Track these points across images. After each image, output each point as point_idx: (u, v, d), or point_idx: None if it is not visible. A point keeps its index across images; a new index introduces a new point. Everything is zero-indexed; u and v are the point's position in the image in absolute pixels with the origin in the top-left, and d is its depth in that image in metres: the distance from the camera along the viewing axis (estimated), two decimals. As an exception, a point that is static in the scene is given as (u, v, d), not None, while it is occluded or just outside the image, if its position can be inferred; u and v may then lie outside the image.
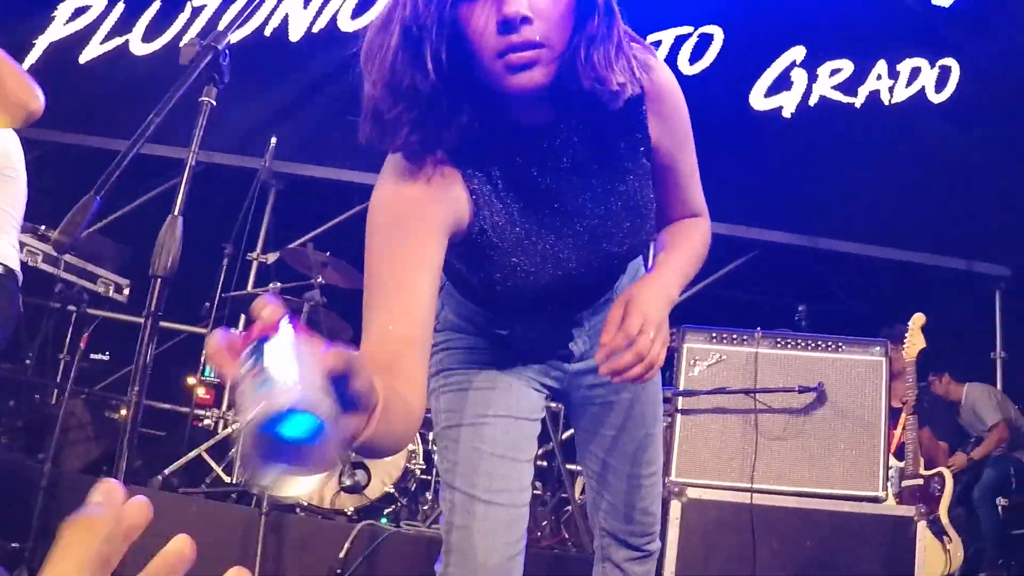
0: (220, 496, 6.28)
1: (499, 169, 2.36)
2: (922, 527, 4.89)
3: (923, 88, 9.84)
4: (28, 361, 7.42)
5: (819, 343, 5.28)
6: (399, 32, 2.14)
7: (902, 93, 9.84)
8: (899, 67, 9.90)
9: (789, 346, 5.28)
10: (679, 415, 5.25)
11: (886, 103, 9.82)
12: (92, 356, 8.03)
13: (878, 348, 5.37)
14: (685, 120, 2.56)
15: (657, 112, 2.44)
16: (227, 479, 6.85)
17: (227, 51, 3.22)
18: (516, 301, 2.51)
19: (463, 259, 2.49)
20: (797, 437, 5.06)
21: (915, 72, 9.89)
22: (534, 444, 2.76)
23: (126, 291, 7.68)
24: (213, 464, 7.11)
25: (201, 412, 7.99)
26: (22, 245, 6.05)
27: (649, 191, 2.49)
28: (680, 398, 5.28)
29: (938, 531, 6.47)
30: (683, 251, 2.59)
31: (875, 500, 4.97)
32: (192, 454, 6.89)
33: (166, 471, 6.51)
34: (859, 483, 5.06)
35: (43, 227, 6.60)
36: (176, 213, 3.10)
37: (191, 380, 9.28)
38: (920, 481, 6.57)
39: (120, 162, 2.93)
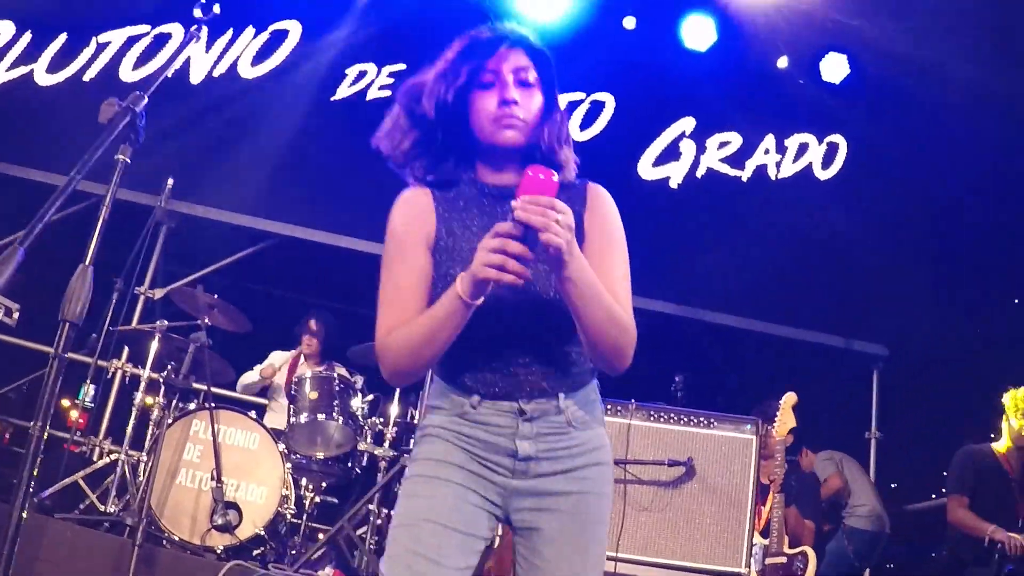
0: (93, 524, 6.33)
1: (464, 209, 3.08)
2: None
3: (810, 164, 10.08)
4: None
5: (692, 418, 5.45)
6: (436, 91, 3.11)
7: (789, 168, 10.06)
8: (787, 142, 10.13)
9: (662, 419, 5.45)
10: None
11: (773, 177, 10.04)
12: None
13: (749, 426, 5.52)
14: (615, 227, 3.15)
15: (592, 207, 3.13)
16: (101, 507, 6.92)
17: (143, 112, 3.41)
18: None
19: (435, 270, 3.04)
20: (664, 510, 5.22)
21: (803, 148, 10.13)
22: (465, 556, 2.87)
23: (16, 315, 7.69)
24: (88, 491, 7.17)
25: (78, 439, 7.96)
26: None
27: None
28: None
29: None
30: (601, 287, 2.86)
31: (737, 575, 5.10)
32: (68, 480, 6.95)
33: (43, 494, 6.56)
34: (723, 558, 5.20)
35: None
36: (88, 263, 3.28)
37: (65, 403, 9.27)
38: (784, 559, 6.63)
39: (42, 216, 3.13)
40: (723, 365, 10.07)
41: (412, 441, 6.63)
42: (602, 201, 3.16)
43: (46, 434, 3.19)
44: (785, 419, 6.62)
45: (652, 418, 5.45)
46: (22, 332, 8.27)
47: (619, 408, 5.47)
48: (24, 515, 3.10)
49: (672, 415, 5.49)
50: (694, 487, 5.34)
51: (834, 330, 9.82)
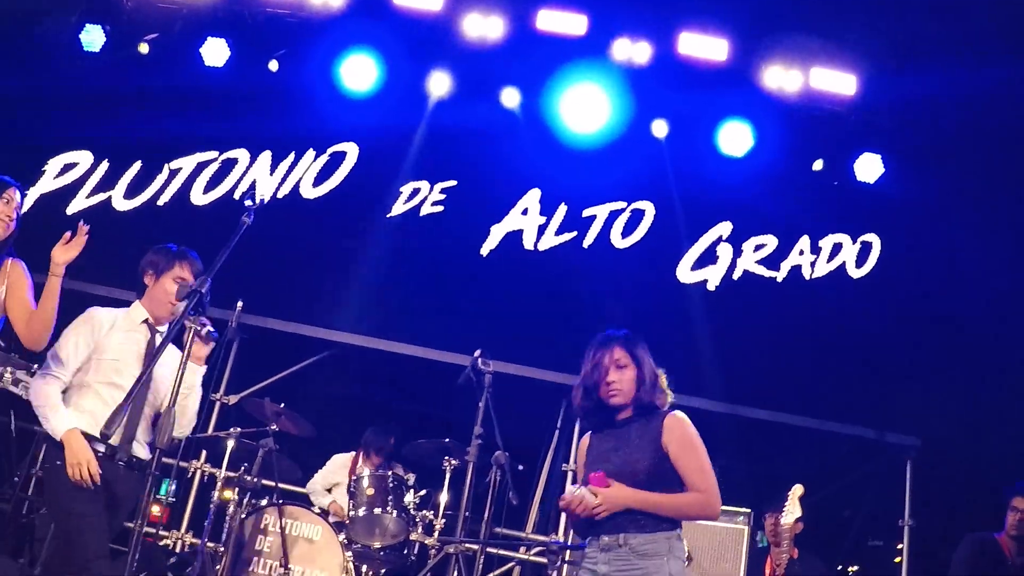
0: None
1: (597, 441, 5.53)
2: None
3: (844, 263, 10.91)
4: (16, 478, 8.99)
5: None
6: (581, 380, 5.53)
7: (823, 268, 10.92)
8: (821, 243, 10.99)
9: None
10: (565, 564, 6.68)
11: (807, 277, 10.91)
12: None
13: (741, 518, 6.76)
14: (688, 438, 5.30)
15: (667, 429, 5.30)
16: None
17: (208, 292, 4.91)
18: None
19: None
20: None
21: (837, 248, 10.97)
22: None
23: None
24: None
25: (162, 532, 9.35)
26: (17, 380, 7.54)
27: (647, 461, 5.26)
28: (568, 551, 6.71)
29: None
30: (665, 498, 5.15)
31: None
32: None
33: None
34: None
35: (34, 365, 8.06)
36: (172, 404, 4.87)
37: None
38: None
39: (141, 378, 4.83)
40: (758, 457, 10.81)
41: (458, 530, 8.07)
42: (674, 424, 5.32)
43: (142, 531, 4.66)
44: (792, 509, 7.65)
45: None
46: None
47: None
48: None
49: None
50: (691, 574, 6.52)
51: (867, 422, 10.50)
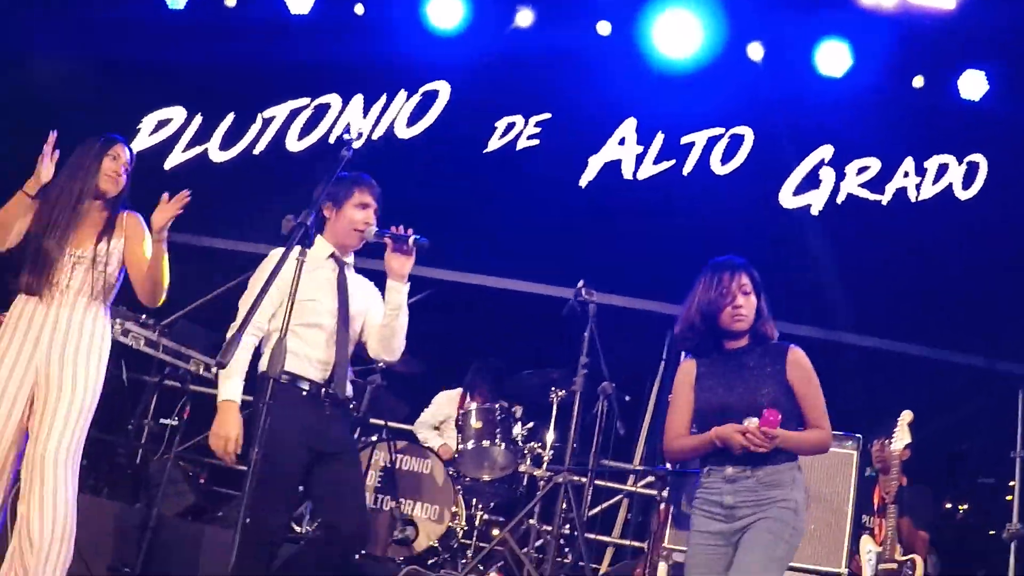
0: (292, 540, 7.85)
1: (713, 365, 5.59)
2: None
3: (950, 185, 10.70)
4: (130, 427, 9.17)
5: None
6: (696, 303, 5.61)
7: (929, 190, 10.73)
8: (926, 164, 10.79)
9: None
10: (672, 491, 6.75)
11: (913, 200, 10.74)
12: (162, 420, 9.40)
13: (851, 443, 6.79)
14: (811, 376, 5.46)
15: (791, 364, 5.46)
16: (297, 529, 8.59)
17: (313, 223, 5.06)
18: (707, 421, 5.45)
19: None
20: None
21: (942, 169, 10.76)
22: None
23: (214, 370, 9.29)
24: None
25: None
26: (127, 331, 7.77)
27: (773, 393, 5.38)
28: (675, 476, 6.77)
29: None
30: (800, 436, 5.36)
31: None
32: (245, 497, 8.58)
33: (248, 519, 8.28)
34: (825, 560, 6.48)
35: (143, 316, 8.27)
36: (283, 334, 4.91)
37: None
38: (894, 565, 7.63)
39: (255, 305, 4.89)
40: (866, 386, 10.55)
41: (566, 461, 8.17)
42: (800, 359, 5.48)
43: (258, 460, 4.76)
44: (902, 435, 7.76)
45: None
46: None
47: None
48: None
49: None
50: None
51: (978, 351, 10.29)
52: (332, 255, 6.20)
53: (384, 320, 6.05)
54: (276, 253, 5.89)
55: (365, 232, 6.15)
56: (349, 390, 6.08)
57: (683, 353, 5.92)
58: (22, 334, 5.84)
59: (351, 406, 6.18)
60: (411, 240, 6.05)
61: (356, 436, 8.68)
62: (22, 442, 5.78)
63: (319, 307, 6.00)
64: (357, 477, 6.03)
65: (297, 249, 5.08)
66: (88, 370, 5.87)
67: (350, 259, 6.30)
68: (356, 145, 5.65)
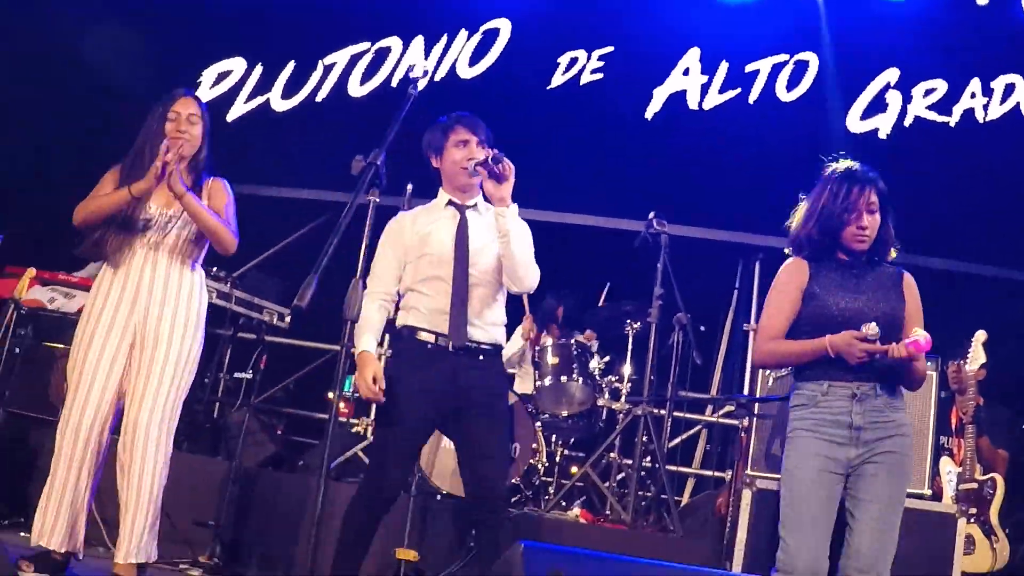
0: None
1: (828, 273, 5.20)
2: (962, 523, 6.32)
3: (1018, 104, 10.57)
4: (206, 380, 9.28)
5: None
6: (817, 212, 5.20)
7: (997, 110, 10.60)
8: (993, 84, 10.65)
9: None
10: (755, 419, 6.77)
11: (981, 120, 10.61)
12: (236, 375, 9.35)
13: (929, 363, 6.75)
14: (919, 302, 5.27)
15: (907, 287, 5.26)
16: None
17: (383, 163, 5.00)
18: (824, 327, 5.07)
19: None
20: None
21: (1009, 88, 10.64)
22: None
23: (287, 319, 9.36)
24: (364, 459, 8.97)
25: (353, 421, 9.64)
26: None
27: (898, 312, 5.16)
28: (756, 404, 6.78)
29: (988, 531, 7.75)
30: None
31: (920, 497, 6.37)
32: (349, 453, 8.89)
33: (331, 464, 8.37)
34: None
35: (214, 268, 8.35)
36: (357, 278, 4.88)
37: (330, 395, 10.94)
38: (975, 485, 7.70)
39: (327, 250, 4.71)
40: (939, 308, 10.51)
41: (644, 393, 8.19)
42: (912, 283, 5.29)
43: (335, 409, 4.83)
44: (976, 355, 7.66)
45: None
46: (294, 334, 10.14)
47: None
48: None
49: None
50: None
51: None
52: (450, 202, 6.07)
53: (500, 250, 5.88)
54: (398, 219, 6.05)
55: (468, 168, 5.97)
56: (479, 335, 5.84)
57: (788, 251, 5.47)
58: (116, 297, 5.89)
59: (488, 350, 5.90)
60: (488, 158, 5.76)
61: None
62: (120, 403, 5.85)
63: (436, 259, 5.88)
64: (487, 431, 5.75)
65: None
66: (184, 328, 5.92)
67: (474, 201, 6.12)
68: (421, 85, 5.60)
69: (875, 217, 5.15)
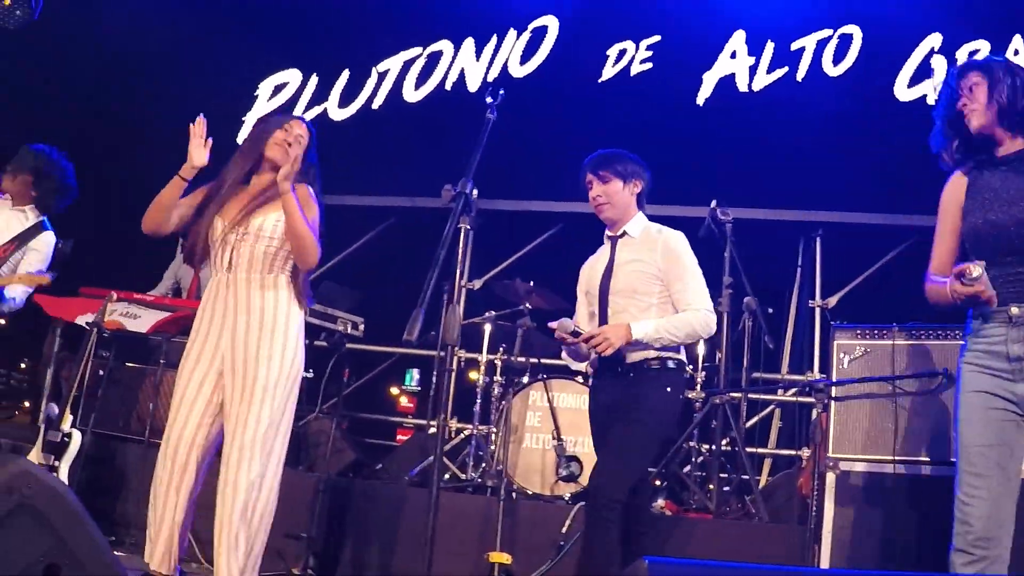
0: (459, 489, 8.23)
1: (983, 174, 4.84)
2: None
3: None
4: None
5: (947, 332, 6.58)
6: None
7: None
8: None
9: (922, 337, 6.65)
10: (833, 402, 6.87)
11: None
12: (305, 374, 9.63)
13: None
14: None
15: None
16: (462, 475, 8.82)
17: (471, 191, 5.17)
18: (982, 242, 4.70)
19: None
20: (931, 415, 6.50)
21: None
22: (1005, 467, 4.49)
23: (361, 327, 9.50)
24: (449, 464, 9.18)
25: (431, 421, 9.79)
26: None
27: None
28: (833, 387, 6.89)
29: None
30: None
31: None
32: (431, 458, 8.66)
33: (412, 472, 8.57)
34: None
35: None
36: (453, 303, 5.05)
37: (394, 391, 11.11)
38: None
39: (429, 282, 4.80)
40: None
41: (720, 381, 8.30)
42: None
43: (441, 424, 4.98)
44: None
45: (913, 336, 6.61)
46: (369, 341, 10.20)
47: (884, 331, 6.66)
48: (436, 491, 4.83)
49: (930, 331, 6.57)
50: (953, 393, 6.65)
51: None
52: (607, 237, 6.51)
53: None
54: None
55: (600, 213, 6.44)
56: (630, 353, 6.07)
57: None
58: (208, 319, 5.88)
59: (635, 364, 6.08)
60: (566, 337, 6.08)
61: (519, 379, 8.90)
62: (219, 426, 5.83)
63: (591, 296, 6.36)
64: (620, 434, 5.96)
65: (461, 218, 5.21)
66: (276, 347, 5.82)
67: (624, 229, 6.45)
68: (496, 101, 5.75)
69: (979, 90, 4.89)
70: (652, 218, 11.00)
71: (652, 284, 6.20)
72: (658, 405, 5.95)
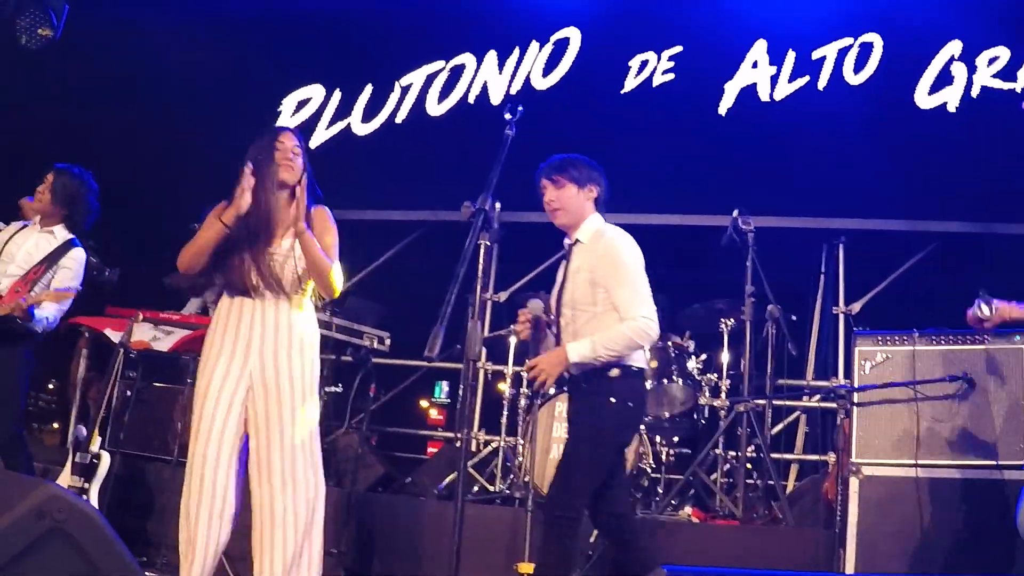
0: (487, 501, 8.40)
1: None
2: None
3: None
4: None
5: (967, 337, 6.70)
6: None
7: None
8: None
9: (943, 342, 6.76)
10: (855, 407, 6.97)
11: None
12: (327, 389, 9.53)
13: (1018, 337, 6.88)
14: None
15: None
16: (490, 487, 8.94)
17: (491, 207, 5.20)
18: None
19: None
20: (952, 419, 6.64)
21: None
22: None
23: (387, 342, 9.60)
24: (477, 476, 9.31)
25: (449, 434, 9.88)
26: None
27: None
28: (855, 393, 6.98)
29: None
30: None
31: (1019, 468, 6.51)
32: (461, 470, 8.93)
33: (441, 485, 8.66)
34: (1005, 454, 6.58)
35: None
36: (474, 318, 5.19)
37: (424, 403, 11.22)
38: None
39: (449, 300, 4.89)
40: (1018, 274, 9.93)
41: (745, 388, 8.39)
42: None
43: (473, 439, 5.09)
44: None
45: (934, 342, 6.71)
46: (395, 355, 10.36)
47: (904, 337, 6.80)
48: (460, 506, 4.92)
49: (951, 337, 6.71)
50: (976, 396, 6.59)
51: None
52: (565, 244, 6.46)
53: None
54: None
55: (554, 219, 6.35)
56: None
57: None
58: (232, 338, 5.90)
59: (574, 379, 6.13)
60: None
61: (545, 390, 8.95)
62: (244, 446, 5.87)
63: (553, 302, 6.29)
64: (566, 450, 6.10)
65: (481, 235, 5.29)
66: (301, 367, 5.91)
67: (577, 236, 6.34)
68: (515, 118, 5.84)
69: None
70: (672, 228, 11.13)
71: (594, 293, 6.08)
72: (599, 419, 5.93)
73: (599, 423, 5.92)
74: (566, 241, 6.40)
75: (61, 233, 7.68)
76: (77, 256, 7.65)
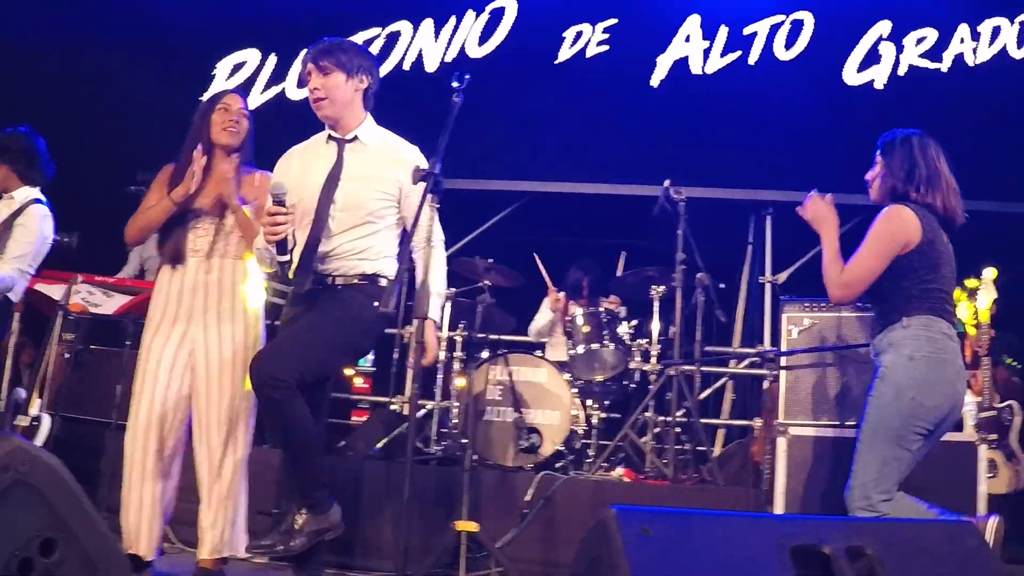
0: (424, 462, 8.45)
1: None
2: (983, 450, 6.72)
3: (1004, 46, 11.06)
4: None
5: None
6: None
7: (986, 52, 11.05)
8: (980, 28, 11.10)
9: (867, 309, 6.99)
10: (782, 371, 7.21)
11: (971, 64, 11.05)
12: None
13: None
14: None
15: None
16: (425, 449, 8.98)
17: (439, 171, 5.29)
18: None
19: None
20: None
21: (996, 31, 11.10)
22: None
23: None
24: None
25: (392, 399, 10.02)
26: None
27: None
28: (783, 357, 7.22)
29: (1009, 455, 8.25)
30: None
31: None
32: (395, 432, 9.12)
33: (378, 445, 8.86)
34: None
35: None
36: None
37: (348, 371, 11.32)
38: (994, 413, 8.19)
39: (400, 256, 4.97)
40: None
41: (675, 353, 8.61)
42: None
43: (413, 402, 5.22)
44: (987, 292, 8.04)
45: (858, 308, 7.04)
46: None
47: (830, 304, 6.93)
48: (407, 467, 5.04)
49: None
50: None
51: None
52: (331, 139, 6.06)
53: None
54: None
55: (318, 110, 5.98)
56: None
57: None
58: (175, 304, 6.00)
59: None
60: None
61: (479, 354, 9.21)
62: (188, 410, 5.97)
63: (303, 206, 5.90)
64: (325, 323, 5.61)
65: (429, 196, 5.23)
66: (244, 332, 6.03)
67: (356, 133, 6.03)
68: (463, 85, 5.62)
69: None
70: (605, 197, 11.33)
71: (387, 206, 5.79)
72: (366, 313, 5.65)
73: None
74: (333, 135, 5.96)
75: (20, 196, 7.36)
76: (34, 212, 7.27)
